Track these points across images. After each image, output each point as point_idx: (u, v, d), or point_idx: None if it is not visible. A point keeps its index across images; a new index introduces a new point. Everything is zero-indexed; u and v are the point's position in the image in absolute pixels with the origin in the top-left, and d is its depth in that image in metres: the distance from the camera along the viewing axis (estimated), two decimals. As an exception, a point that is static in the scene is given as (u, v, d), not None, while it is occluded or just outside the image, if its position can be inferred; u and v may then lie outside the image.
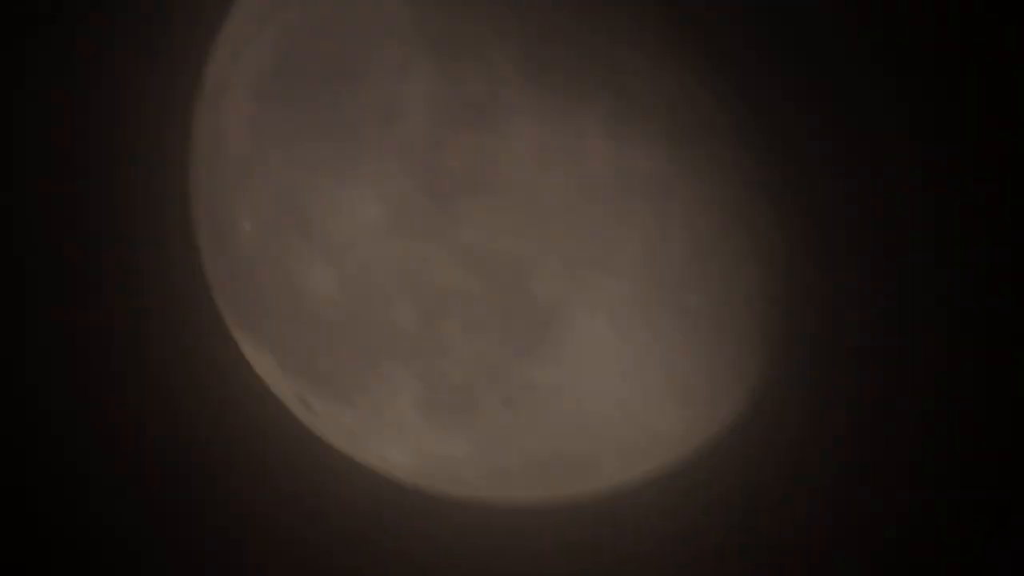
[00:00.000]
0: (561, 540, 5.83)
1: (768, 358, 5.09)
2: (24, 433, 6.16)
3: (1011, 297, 5.51)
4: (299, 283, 5.04)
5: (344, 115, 4.84)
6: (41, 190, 5.98)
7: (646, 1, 4.71)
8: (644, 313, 4.80)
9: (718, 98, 4.72)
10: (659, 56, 4.68)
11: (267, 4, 5.27)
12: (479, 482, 5.41)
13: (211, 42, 5.55)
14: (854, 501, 5.70)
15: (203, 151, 5.43)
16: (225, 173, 5.25)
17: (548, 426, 5.05)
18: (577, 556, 5.85)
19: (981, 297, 5.46)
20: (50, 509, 6.21)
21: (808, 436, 5.43)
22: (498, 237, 4.72)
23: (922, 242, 5.08)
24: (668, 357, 4.89)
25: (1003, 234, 5.36)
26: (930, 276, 5.16)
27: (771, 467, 5.53)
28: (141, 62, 5.89)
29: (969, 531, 5.74)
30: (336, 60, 4.89)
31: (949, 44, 5.01)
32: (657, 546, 5.72)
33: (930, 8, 4.98)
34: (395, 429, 5.25)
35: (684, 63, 4.70)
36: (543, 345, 4.84)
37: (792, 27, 4.79)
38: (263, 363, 5.47)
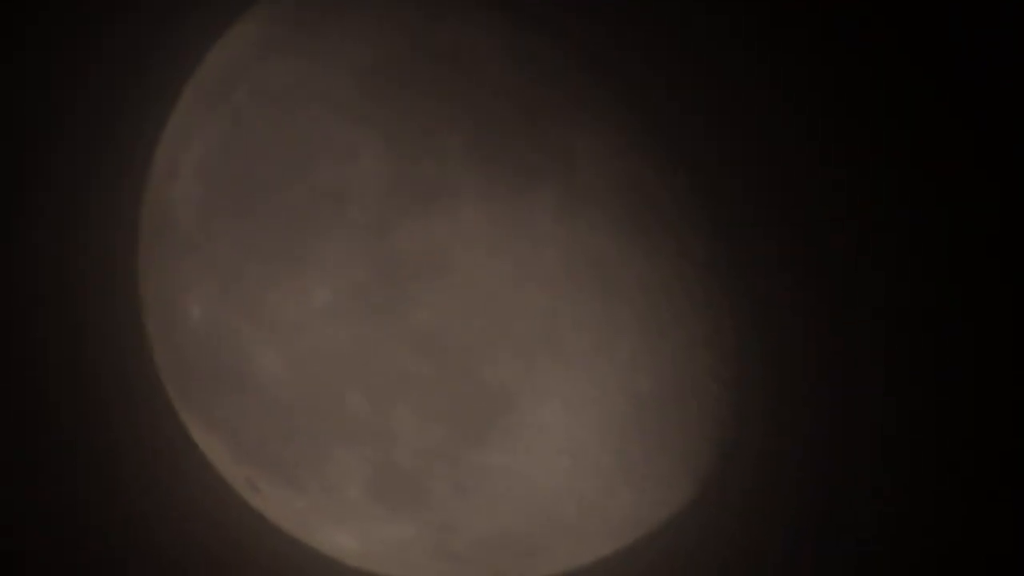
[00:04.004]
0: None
1: (720, 442, 5.08)
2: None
3: (961, 377, 5.54)
4: (248, 367, 5.01)
5: (294, 198, 4.84)
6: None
7: (598, 87, 4.73)
8: (595, 398, 4.79)
9: (669, 184, 4.74)
10: (610, 141, 4.71)
11: (218, 85, 5.27)
12: (429, 567, 5.37)
13: (162, 123, 5.54)
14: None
15: (152, 234, 5.41)
16: (174, 256, 5.23)
17: (499, 511, 5.02)
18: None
19: (933, 377, 5.49)
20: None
21: (760, 520, 5.42)
22: (448, 322, 4.72)
23: (873, 326, 5.11)
24: (620, 441, 4.88)
25: (954, 322, 5.40)
26: (883, 361, 5.18)
27: (723, 551, 5.51)
28: (90, 143, 5.87)
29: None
30: (286, 142, 4.89)
31: (902, 143, 5.07)
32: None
33: (892, 109, 5.04)
34: (344, 513, 5.21)
35: (635, 148, 4.72)
36: (494, 430, 4.82)
37: (745, 114, 4.83)
38: (212, 447, 5.43)
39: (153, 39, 5.78)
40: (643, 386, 4.81)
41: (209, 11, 5.51)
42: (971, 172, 5.39)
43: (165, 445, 5.76)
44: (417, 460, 4.92)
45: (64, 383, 6.01)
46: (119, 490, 6.08)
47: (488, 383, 4.76)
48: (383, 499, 5.06)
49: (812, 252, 4.90)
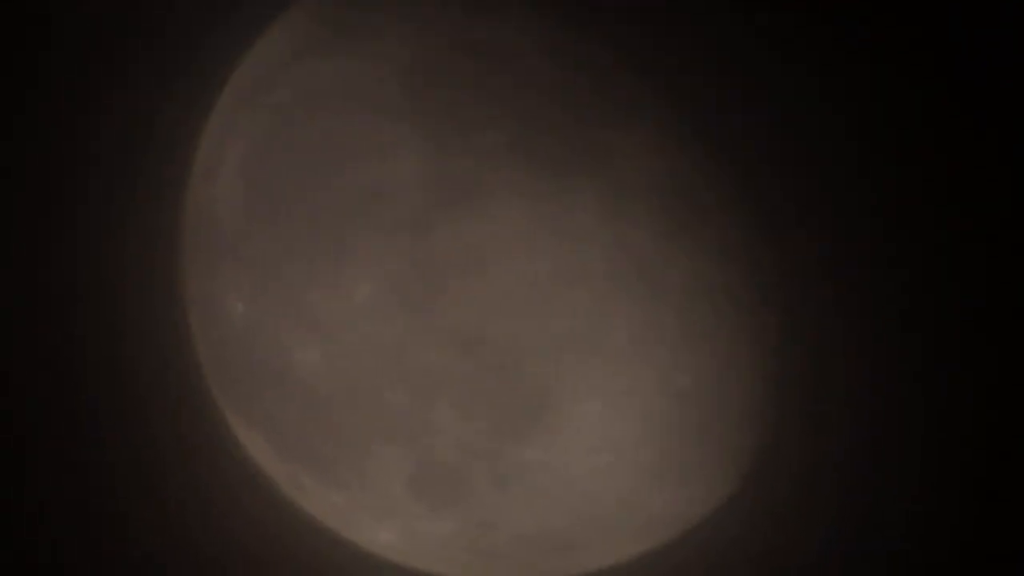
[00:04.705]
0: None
1: (760, 438, 5.08)
2: (9, 518, 6.12)
3: (1002, 376, 5.52)
4: (289, 364, 5.03)
5: (334, 196, 4.86)
6: (30, 270, 5.97)
7: (639, 85, 4.74)
8: (636, 394, 4.79)
9: (709, 180, 4.74)
10: (650, 138, 4.71)
11: (258, 84, 5.29)
12: (470, 563, 5.38)
13: (203, 122, 5.57)
14: (846, 579, 5.69)
15: (193, 232, 5.44)
16: (216, 254, 5.26)
17: (540, 507, 5.03)
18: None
19: (968, 368, 5.48)
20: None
21: (800, 517, 5.42)
22: (489, 318, 4.73)
23: (911, 321, 5.10)
24: (660, 438, 4.89)
25: (985, 312, 5.39)
26: (920, 355, 5.17)
27: (763, 547, 5.51)
28: (133, 143, 5.89)
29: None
30: (327, 140, 4.91)
31: (931, 136, 5.07)
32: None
33: (923, 101, 5.03)
34: (385, 509, 5.23)
35: (675, 145, 4.72)
36: (534, 426, 4.84)
37: (785, 111, 4.82)
38: (255, 444, 5.46)
39: (194, 38, 5.80)
40: (683, 384, 4.82)
41: (249, 11, 5.53)
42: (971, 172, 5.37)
43: (206, 441, 5.78)
44: (457, 456, 4.94)
45: (105, 380, 6.03)
46: (159, 486, 6.09)
47: (528, 380, 4.77)
48: (423, 495, 5.08)
49: (854, 251, 4.89)
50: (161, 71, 5.85)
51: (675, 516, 5.26)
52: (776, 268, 4.83)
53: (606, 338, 4.72)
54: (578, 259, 4.68)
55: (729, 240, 4.76)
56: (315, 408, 5.04)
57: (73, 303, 6.00)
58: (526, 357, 4.75)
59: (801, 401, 5.03)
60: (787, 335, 4.91)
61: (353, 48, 4.99)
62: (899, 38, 5.07)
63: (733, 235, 4.76)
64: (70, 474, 6.10)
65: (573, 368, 4.75)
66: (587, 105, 4.71)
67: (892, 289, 5.06)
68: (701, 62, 4.80)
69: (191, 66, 5.76)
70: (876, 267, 4.99)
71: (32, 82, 5.95)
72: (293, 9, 5.40)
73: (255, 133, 5.18)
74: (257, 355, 5.13)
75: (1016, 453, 5.67)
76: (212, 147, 5.46)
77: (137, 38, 5.89)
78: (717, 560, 5.61)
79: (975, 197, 5.30)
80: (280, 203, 4.98)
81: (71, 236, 5.94)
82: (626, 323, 4.71)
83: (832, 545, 5.65)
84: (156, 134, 5.86)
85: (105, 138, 5.93)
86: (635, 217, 4.68)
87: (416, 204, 4.76)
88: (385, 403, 4.91)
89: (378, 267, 4.81)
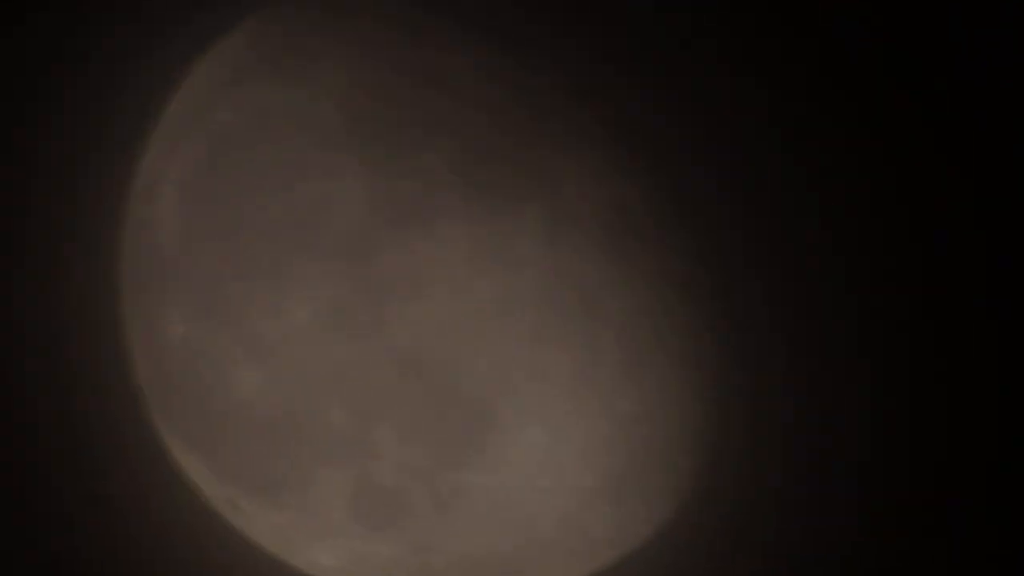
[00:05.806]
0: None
1: (701, 461, 5.10)
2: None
3: (948, 395, 5.56)
4: (229, 385, 5.01)
5: (275, 217, 4.84)
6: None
7: (581, 110, 4.75)
8: (577, 417, 4.80)
9: (652, 207, 4.76)
10: (591, 164, 4.72)
11: (200, 104, 5.28)
12: (411, 586, 5.38)
13: (142, 144, 5.54)
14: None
15: (132, 252, 5.41)
16: (154, 275, 5.23)
17: (481, 529, 5.03)
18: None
19: (909, 396, 5.51)
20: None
21: (741, 540, 5.43)
22: (430, 341, 4.73)
23: (851, 346, 5.12)
24: (601, 461, 4.90)
25: (928, 331, 5.42)
26: (861, 378, 5.20)
27: (704, 570, 5.52)
28: (72, 164, 5.86)
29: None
30: (266, 162, 4.90)
31: (901, 144, 5.09)
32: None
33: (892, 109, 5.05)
34: (324, 531, 5.21)
35: (616, 171, 4.74)
36: (475, 448, 4.84)
37: (730, 138, 4.85)
38: (192, 466, 5.43)
39: (134, 58, 5.77)
40: (624, 407, 4.83)
41: (192, 31, 5.51)
42: (971, 172, 5.39)
43: (145, 463, 5.74)
44: (398, 479, 4.93)
45: (42, 401, 5.99)
46: (97, 508, 6.05)
47: (469, 403, 4.77)
48: (363, 517, 5.06)
49: (794, 275, 4.92)
50: (100, 93, 5.81)
51: (616, 539, 5.26)
52: (717, 294, 4.85)
53: (547, 362, 4.73)
54: (519, 283, 4.68)
55: (670, 266, 4.78)
56: (255, 430, 5.02)
57: (8, 325, 5.95)
58: (467, 380, 4.75)
59: (742, 425, 5.05)
60: (728, 360, 4.93)
61: (292, 71, 4.98)
62: (860, 41, 5.09)
63: (674, 261, 4.78)
64: (4, 495, 6.05)
65: (514, 392, 4.75)
66: (528, 130, 4.72)
67: (835, 314, 5.08)
68: (643, 88, 4.81)
69: (131, 88, 5.73)
70: (820, 293, 5.01)
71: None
72: (233, 33, 5.38)
73: (196, 153, 5.16)
74: (196, 377, 5.11)
75: (958, 472, 5.71)
76: (152, 166, 5.43)
77: (76, 59, 5.86)
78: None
79: (937, 196, 5.32)
80: (220, 225, 4.96)
81: (6, 258, 5.90)
82: (567, 348, 4.72)
83: (776, 567, 5.67)
84: (95, 153, 5.82)
85: (43, 159, 5.89)
86: (576, 242, 4.69)
87: (357, 227, 4.75)
88: (326, 425, 4.90)
89: (319, 289, 4.80)
